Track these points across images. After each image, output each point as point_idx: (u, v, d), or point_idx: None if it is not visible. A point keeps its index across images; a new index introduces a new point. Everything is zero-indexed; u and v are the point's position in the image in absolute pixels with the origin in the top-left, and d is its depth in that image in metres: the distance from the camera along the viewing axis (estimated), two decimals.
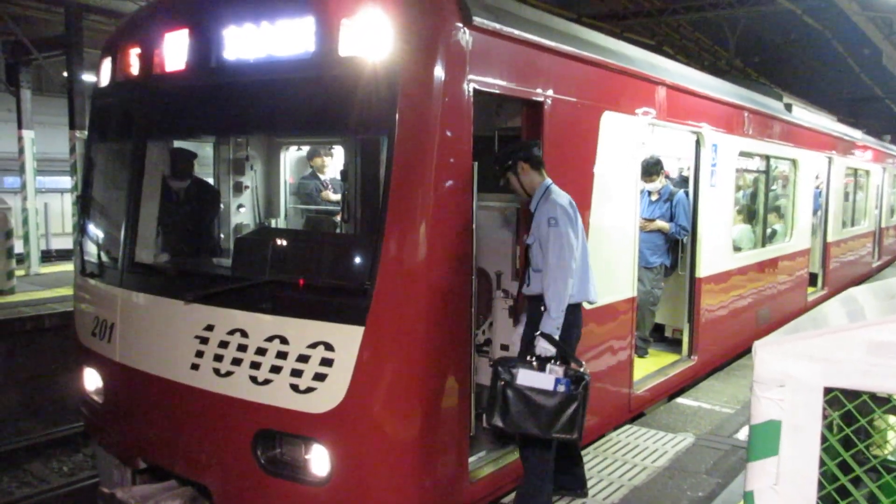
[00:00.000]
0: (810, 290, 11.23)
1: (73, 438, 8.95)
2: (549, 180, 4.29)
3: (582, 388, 3.96)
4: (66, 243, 19.27)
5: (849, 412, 2.38)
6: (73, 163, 13.50)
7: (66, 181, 18.08)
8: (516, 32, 4.31)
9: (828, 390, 2.36)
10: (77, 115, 13.24)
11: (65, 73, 13.77)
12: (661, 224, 7.45)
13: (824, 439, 2.40)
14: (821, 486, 2.39)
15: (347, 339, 3.65)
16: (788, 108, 9.97)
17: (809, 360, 2.40)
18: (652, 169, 7.40)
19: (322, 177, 6.88)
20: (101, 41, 11.01)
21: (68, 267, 14.92)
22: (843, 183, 12.80)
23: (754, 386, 2.49)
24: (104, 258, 5.08)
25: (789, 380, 2.43)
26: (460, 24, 3.87)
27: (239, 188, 6.08)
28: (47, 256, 17.66)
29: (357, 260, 4.03)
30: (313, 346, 3.73)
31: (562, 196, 4.23)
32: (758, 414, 2.49)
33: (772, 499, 2.46)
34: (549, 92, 4.62)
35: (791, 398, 2.44)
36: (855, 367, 2.32)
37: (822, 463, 2.39)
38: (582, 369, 4.04)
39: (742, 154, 8.07)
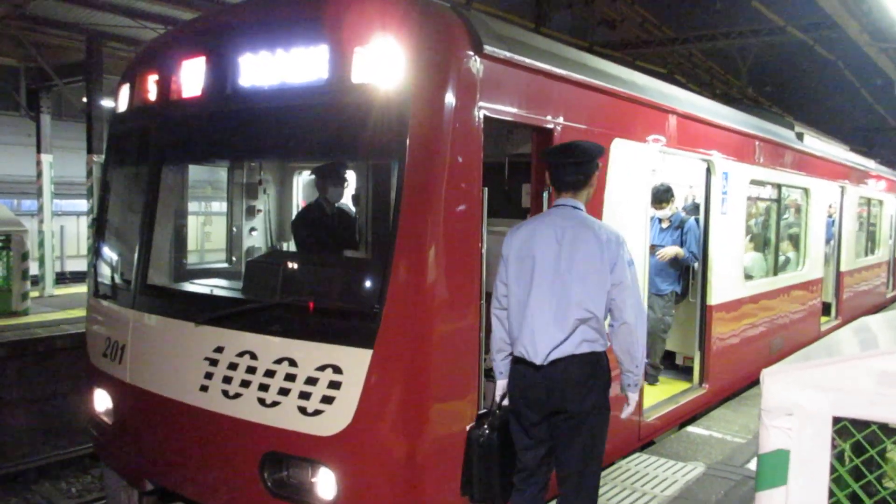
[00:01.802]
0: (823, 319, 11.13)
1: (82, 460, 8.97)
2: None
3: (476, 444, 3.77)
4: (81, 265, 19.42)
5: (859, 442, 2.36)
6: (89, 186, 13.69)
7: (82, 204, 18.31)
8: (527, 61, 4.36)
9: (837, 420, 2.34)
10: (95, 140, 13.47)
11: (84, 99, 14.03)
12: (677, 250, 7.43)
13: (833, 469, 2.37)
14: None
15: (356, 362, 3.66)
16: (800, 136, 9.97)
17: (818, 390, 2.39)
18: (663, 196, 7.42)
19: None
20: (121, 68, 11.24)
21: (82, 289, 15.06)
22: (856, 212, 12.74)
23: (762, 414, 2.47)
24: (117, 280, 5.13)
25: (797, 409, 2.41)
26: (471, 53, 3.93)
27: (252, 212, 6.15)
28: (62, 278, 17.85)
29: (366, 283, 4.05)
30: (322, 368, 3.75)
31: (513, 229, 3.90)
32: (766, 443, 2.47)
33: None
34: (560, 119, 4.66)
35: (799, 427, 2.41)
36: (864, 397, 2.30)
37: (832, 493, 2.37)
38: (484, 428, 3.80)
39: (753, 182, 8.07)
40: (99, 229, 5.50)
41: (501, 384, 3.89)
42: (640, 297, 3.80)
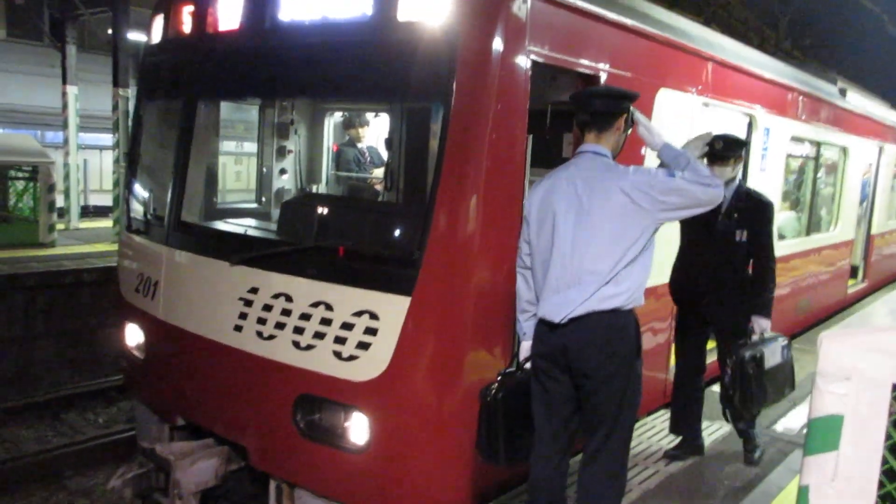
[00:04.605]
0: (851, 282, 10.97)
1: (108, 391, 9.13)
2: None
3: (483, 402, 3.63)
4: (104, 200, 19.50)
5: None
6: (115, 120, 13.61)
7: (105, 138, 18.26)
8: (576, 3, 4.18)
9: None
10: (121, 73, 13.30)
11: (109, 31, 13.81)
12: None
13: (888, 436, 2.32)
14: (881, 485, 2.32)
15: (393, 308, 3.62)
16: (843, 92, 9.66)
17: (879, 355, 2.32)
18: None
19: (360, 145, 6.83)
20: (147, 0, 11.00)
21: (106, 223, 15.15)
22: (892, 173, 12.42)
23: (817, 379, 2.41)
24: (150, 216, 5.11)
25: (856, 373, 2.35)
26: None
27: (282, 152, 6.06)
28: (86, 212, 17.94)
29: (406, 230, 3.99)
30: (358, 314, 3.72)
31: None
32: (819, 408, 2.41)
33: (828, 494, 2.39)
34: (605, 66, 4.49)
35: (856, 393, 2.36)
36: None
37: (885, 461, 2.32)
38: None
39: (793, 139, 7.84)
40: (132, 164, 5.45)
41: (525, 346, 3.70)
42: (701, 170, 3.39)
